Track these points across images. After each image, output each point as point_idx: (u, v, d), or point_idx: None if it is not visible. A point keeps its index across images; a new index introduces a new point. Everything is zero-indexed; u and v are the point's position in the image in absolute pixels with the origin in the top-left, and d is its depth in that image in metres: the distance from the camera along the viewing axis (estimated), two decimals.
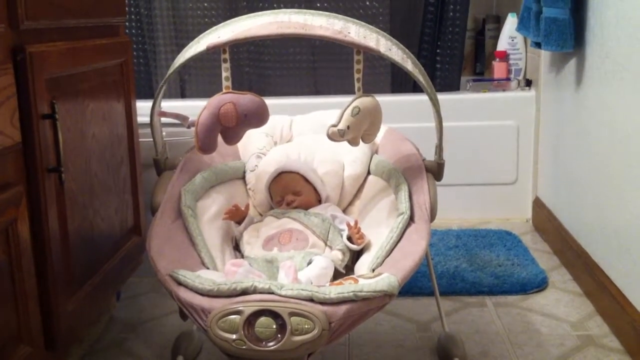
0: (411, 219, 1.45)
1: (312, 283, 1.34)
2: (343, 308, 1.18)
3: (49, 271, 1.39)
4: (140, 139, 1.91)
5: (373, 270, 1.38)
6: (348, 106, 1.44)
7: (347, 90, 2.79)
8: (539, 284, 2.18)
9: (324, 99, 2.81)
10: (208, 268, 1.42)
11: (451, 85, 2.94)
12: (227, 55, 1.45)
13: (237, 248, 1.59)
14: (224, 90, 1.47)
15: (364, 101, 1.45)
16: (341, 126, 1.43)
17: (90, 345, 1.85)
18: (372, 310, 1.23)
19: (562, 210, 2.45)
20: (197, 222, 1.49)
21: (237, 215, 1.58)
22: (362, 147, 1.71)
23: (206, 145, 1.45)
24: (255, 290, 1.19)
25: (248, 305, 1.16)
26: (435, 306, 1.81)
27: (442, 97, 2.70)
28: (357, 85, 1.46)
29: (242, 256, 1.55)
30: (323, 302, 1.17)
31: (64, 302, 1.46)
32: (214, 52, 1.43)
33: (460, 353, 1.71)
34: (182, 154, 1.67)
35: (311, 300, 1.17)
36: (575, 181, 2.27)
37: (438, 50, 2.95)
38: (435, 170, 1.57)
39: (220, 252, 1.50)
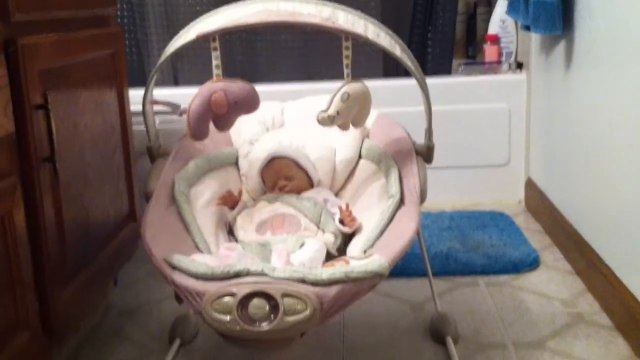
0: (401, 201, 1.48)
1: (304, 265, 1.37)
2: (334, 289, 1.20)
3: (45, 260, 1.41)
4: (133, 127, 1.93)
5: (365, 252, 1.41)
6: (337, 92, 1.46)
7: (339, 75, 2.79)
8: (531, 263, 2.21)
9: (315, 85, 2.79)
10: (202, 252, 1.44)
11: (442, 69, 2.96)
12: (217, 44, 1.47)
13: (231, 233, 1.62)
14: (214, 79, 1.49)
15: (353, 87, 1.47)
16: (331, 111, 1.45)
17: (89, 332, 1.87)
18: (363, 291, 1.25)
19: (553, 191, 2.48)
20: (191, 208, 1.52)
21: (230, 201, 1.61)
22: (353, 132, 1.73)
23: (198, 132, 1.47)
24: (248, 273, 1.21)
25: (241, 287, 1.19)
26: (429, 287, 1.84)
27: (433, 80, 2.78)
28: (346, 71, 1.48)
29: (236, 241, 1.57)
30: (314, 283, 1.20)
31: (61, 289, 1.48)
32: (205, 40, 1.45)
33: (453, 332, 1.74)
34: (174, 142, 1.69)
35: (303, 281, 1.20)
36: (565, 162, 2.30)
37: (429, 35, 2.97)
38: (425, 153, 1.59)
39: (214, 237, 1.52)
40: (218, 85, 1.46)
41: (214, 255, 1.43)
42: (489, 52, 2.91)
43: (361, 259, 1.32)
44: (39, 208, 1.39)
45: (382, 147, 1.67)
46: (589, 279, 2.02)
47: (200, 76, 2.84)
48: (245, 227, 1.57)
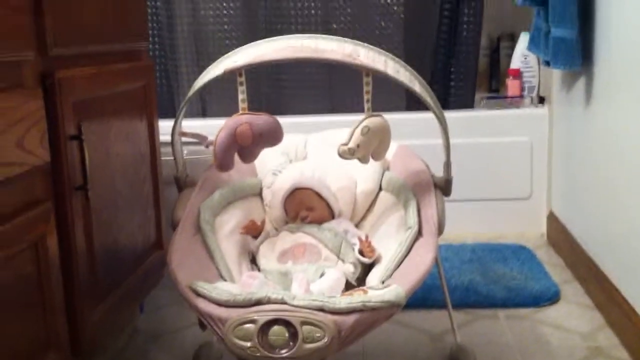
0: (419, 233, 1.51)
1: (324, 294, 1.41)
2: (352, 317, 1.24)
3: (76, 283, 1.47)
4: (162, 157, 1.99)
5: (383, 282, 1.45)
6: (358, 125, 1.51)
7: (363, 108, 2.87)
8: (551, 297, 2.22)
9: (339, 117, 2.87)
10: (225, 280, 1.49)
11: (465, 102, 3.00)
12: (242, 79, 1.53)
13: (253, 261, 1.66)
14: (240, 112, 1.55)
15: (373, 120, 1.52)
16: (351, 145, 1.50)
17: (115, 354, 1.92)
18: (380, 320, 1.29)
19: (574, 224, 2.49)
20: (215, 236, 1.57)
21: (253, 230, 1.66)
22: (374, 164, 1.78)
23: (224, 163, 1.53)
24: (269, 301, 1.26)
25: (262, 314, 1.23)
26: (448, 318, 1.87)
27: (456, 114, 2.85)
28: (366, 105, 1.53)
29: (259, 269, 1.62)
30: (333, 312, 1.24)
31: (90, 312, 1.54)
32: (232, 75, 1.51)
33: None
34: (201, 172, 1.75)
35: (322, 310, 1.24)
36: (586, 196, 2.32)
37: (452, 69, 3.01)
38: (444, 186, 1.63)
39: (237, 265, 1.57)
40: (243, 118, 1.52)
41: (237, 283, 1.48)
42: (512, 86, 2.95)
43: (379, 289, 1.35)
44: (70, 234, 1.45)
45: (402, 179, 1.71)
46: (609, 313, 2.03)
47: (227, 108, 2.93)
48: (267, 256, 1.61)
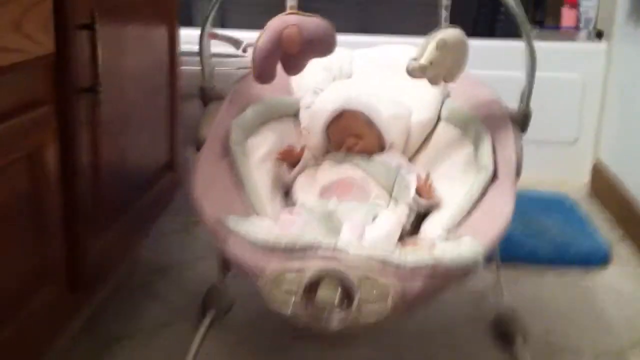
0: (494, 175, 1.26)
1: (377, 244, 1.16)
2: (420, 277, 1.00)
3: (78, 205, 1.21)
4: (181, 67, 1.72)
5: (448, 232, 1.20)
6: (432, 38, 1.24)
7: (397, 30, 2.58)
8: (603, 258, 1.99)
9: (371, 38, 2.57)
10: (258, 214, 1.24)
11: (513, 31, 2.70)
12: None
13: (288, 195, 1.41)
14: (288, 11, 1.27)
15: (450, 33, 1.25)
16: (424, 60, 1.23)
17: (116, 286, 1.69)
18: (452, 283, 1.05)
19: (628, 176, 2.24)
20: (247, 161, 1.31)
21: (291, 157, 1.40)
22: (432, 90, 1.51)
23: (264, 72, 1.26)
24: (319, 247, 1.01)
25: (311, 264, 0.99)
26: (491, 274, 1.63)
27: (501, 43, 2.54)
28: (443, 14, 1.26)
29: (294, 205, 1.36)
30: (399, 269, 0.99)
31: (92, 240, 1.29)
32: None
33: (522, 330, 1.53)
34: (229, 84, 1.47)
35: (385, 264, 0.99)
36: None
37: None
38: (521, 121, 1.37)
39: (271, 198, 1.32)
40: (292, 19, 1.24)
41: (272, 220, 1.23)
42: (567, 16, 2.65)
43: (449, 242, 1.11)
44: (75, 145, 1.18)
45: (468, 109, 1.44)
46: None
47: (250, 20, 2.64)
48: (306, 190, 1.36)
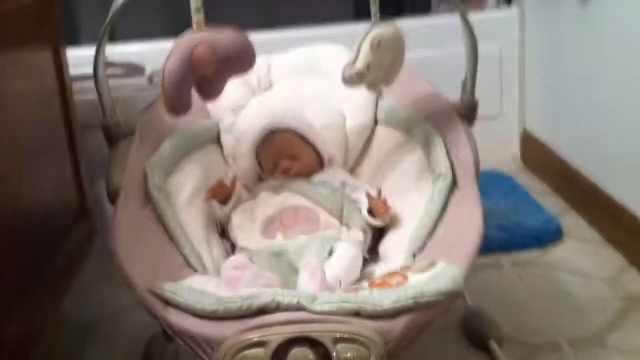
0: (453, 182, 1.12)
1: (340, 283, 1.01)
2: (401, 321, 0.87)
3: None
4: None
5: (414, 256, 1.06)
6: (364, 38, 1.09)
7: (304, 19, 2.41)
8: (554, 234, 1.90)
9: (280, 34, 2.39)
10: (196, 270, 1.06)
11: (421, 6, 2.59)
12: None
13: (223, 235, 1.23)
14: (195, 27, 1.09)
15: (383, 30, 1.10)
16: (360, 66, 1.08)
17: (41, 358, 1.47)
18: (436, 318, 0.91)
19: (561, 143, 2.17)
20: (172, 207, 1.12)
21: (221, 193, 1.22)
22: (364, 91, 1.35)
23: (179, 102, 1.07)
24: (279, 307, 0.85)
25: (274, 331, 0.83)
26: None
27: (410, 22, 2.42)
28: (373, 8, 1.10)
29: (233, 247, 1.19)
30: (374, 316, 0.85)
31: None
32: None
33: (495, 332, 1.41)
34: (135, 115, 1.27)
35: (358, 315, 0.85)
36: (579, 109, 2.00)
37: None
38: (468, 113, 1.24)
39: (207, 245, 1.14)
40: (201, 37, 1.06)
41: (211, 274, 1.06)
42: None
43: (421, 270, 0.96)
44: None
45: (407, 107, 1.30)
46: (628, 248, 1.73)
47: (144, 30, 2.41)
48: (245, 228, 1.18)
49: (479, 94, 2.45)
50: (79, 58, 1.41)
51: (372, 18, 1.11)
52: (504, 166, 2.41)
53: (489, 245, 1.83)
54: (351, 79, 1.08)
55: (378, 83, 1.14)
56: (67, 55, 1.53)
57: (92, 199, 1.57)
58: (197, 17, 1.08)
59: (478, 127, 2.45)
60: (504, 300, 1.60)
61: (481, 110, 2.45)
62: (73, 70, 1.54)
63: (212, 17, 1.15)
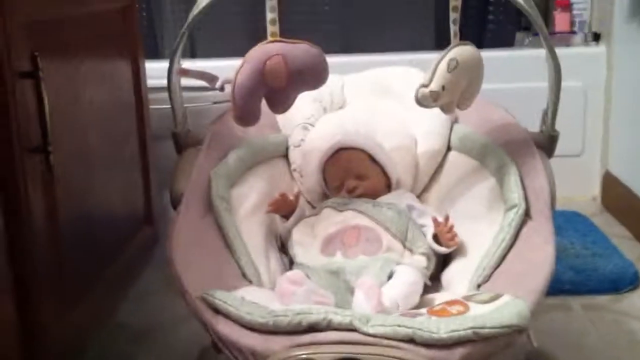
0: (527, 213, 1.07)
1: (398, 307, 0.97)
2: (457, 352, 0.82)
3: (32, 284, 1.00)
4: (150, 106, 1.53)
5: (479, 287, 1.01)
6: (442, 59, 1.06)
7: (384, 47, 2.40)
8: (630, 280, 1.80)
9: (358, 58, 2.39)
10: (251, 281, 1.04)
11: (505, 40, 2.54)
12: None
13: (282, 250, 1.21)
14: (269, 39, 1.08)
15: (461, 52, 1.07)
16: (434, 86, 1.04)
17: None
18: (495, 354, 0.86)
19: None
20: (233, 217, 1.11)
21: (284, 207, 1.20)
22: (439, 115, 1.32)
23: (247, 112, 1.06)
24: (329, 326, 0.82)
25: (323, 350, 0.80)
26: None
27: (495, 54, 2.37)
28: (452, 28, 1.07)
29: (291, 262, 1.17)
30: (430, 345, 0.80)
31: (53, 323, 1.08)
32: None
33: None
34: (204, 126, 1.28)
35: (412, 341, 0.80)
36: None
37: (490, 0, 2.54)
38: (547, 146, 1.19)
39: (265, 258, 1.12)
40: (275, 48, 1.05)
41: (267, 286, 1.04)
42: (560, 20, 2.48)
43: (485, 301, 0.91)
44: (24, 213, 0.98)
45: (483, 135, 1.26)
46: None
47: (223, 48, 2.44)
48: (305, 244, 1.16)
49: (561, 131, 2.39)
50: (160, 70, 1.43)
51: (452, 39, 1.08)
52: (583, 207, 2.32)
53: (561, 286, 1.77)
54: (425, 99, 1.04)
55: (453, 106, 1.10)
56: (149, 67, 1.56)
57: (160, 207, 1.58)
58: (272, 28, 1.07)
59: (558, 166, 2.38)
60: (572, 344, 1.52)
61: (563, 149, 2.39)
62: (152, 81, 1.56)
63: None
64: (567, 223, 2.17)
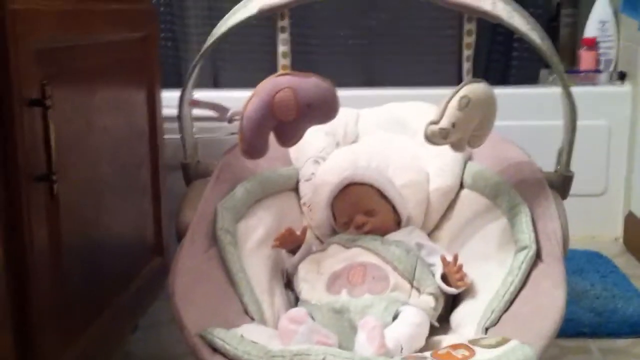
0: (537, 256, 1.04)
1: (402, 349, 0.94)
2: None
3: (34, 318, 0.99)
4: (164, 135, 1.52)
5: (486, 331, 0.98)
6: (453, 95, 1.04)
7: (407, 81, 2.39)
8: None
9: (379, 92, 2.37)
10: (253, 319, 1.02)
11: (529, 77, 2.51)
12: (285, 22, 1.07)
13: (288, 286, 1.20)
14: (280, 71, 1.07)
15: (474, 89, 1.05)
16: (444, 124, 1.03)
17: None
18: None
19: None
20: (238, 251, 1.10)
21: (290, 242, 1.19)
22: (452, 152, 1.30)
23: (254, 145, 1.06)
24: None
25: None
26: None
27: (519, 91, 2.35)
28: (465, 65, 1.06)
29: (297, 299, 1.15)
30: None
31: (59, 354, 1.06)
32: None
33: None
34: (217, 157, 1.27)
35: None
36: None
37: (514, 37, 2.52)
38: (561, 187, 1.16)
39: (268, 294, 1.11)
40: (284, 81, 1.05)
41: (269, 324, 1.02)
42: (585, 58, 2.45)
43: (492, 346, 0.88)
44: (26, 242, 0.97)
45: (496, 173, 1.23)
46: None
47: (246, 78, 2.43)
48: (311, 281, 1.14)
49: (584, 170, 2.35)
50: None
51: (464, 76, 1.07)
52: (604, 247, 2.27)
53: (579, 329, 1.72)
54: (433, 136, 1.03)
55: (464, 143, 1.08)
56: (171, 96, 1.56)
57: (171, 237, 1.57)
58: (283, 61, 1.07)
59: (581, 205, 2.36)
60: None
61: (585, 188, 2.37)
62: (169, 110, 1.56)
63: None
64: (588, 264, 2.12)
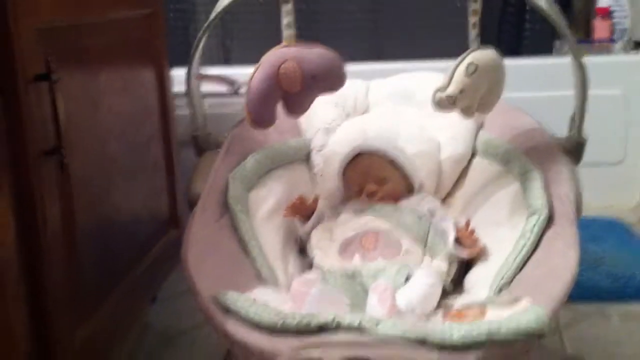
0: (550, 219, 1.04)
1: (414, 310, 0.95)
2: (470, 357, 0.79)
3: (48, 293, 1.00)
4: (177, 112, 1.53)
5: (499, 292, 0.98)
6: (460, 62, 1.04)
7: (415, 54, 2.38)
8: None
9: (386, 65, 2.36)
10: (266, 283, 1.04)
11: (542, 48, 2.49)
12: None
13: (302, 253, 1.20)
14: (283, 43, 1.07)
15: (481, 56, 1.05)
16: (452, 90, 1.03)
17: None
18: (512, 358, 0.83)
19: None
20: (250, 220, 1.11)
21: (302, 210, 1.20)
22: (464, 121, 1.30)
23: (262, 116, 1.06)
24: (338, 327, 0.81)
25: (330, 350, 0.79)
26: None
27: (532, 62, 2.34)
28: (472, 32, 1.05)
29: (311, 265, 1.16)
30: (442, 347, 0.79)
31: (73, 331, 1.08)
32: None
33: None
34: (227, 130, 1.28)
35: (423, 343, 0.78)
36: None
37: (527, 8, 2.50)
38: (574, 152, 1.16)
39: (282, 261, 1.12)
40: (289, 52, 1.05)
41: (283, 287, 1.03)
42: (600, 28, 2.43)
43: (503, 306, 0.89)
44: (38, 219, 0.98)
45: (508, 141, 1.23)
46: None
47: (256, 56, 2.43)
48: (323, 248, 1.15)
49: (601, 139, 2.33)
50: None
51: (471, 43, 1.06)
52: (623, 214, 2.27)
53: (598, 293, 1.73)
54: (441, 103, 1.03)
55: (472, 110, 1.08)
56: (175, 74, 1.57)
57: (187, 210, 1.59)
58: (287, 32, 1.07)
59: (599, 174, 2.35)
60: (607, 353, 1.47)
61: (603, 157, 2.36)
62: (180, 87, 1.57)
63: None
64: (605, 231, 2.12)
